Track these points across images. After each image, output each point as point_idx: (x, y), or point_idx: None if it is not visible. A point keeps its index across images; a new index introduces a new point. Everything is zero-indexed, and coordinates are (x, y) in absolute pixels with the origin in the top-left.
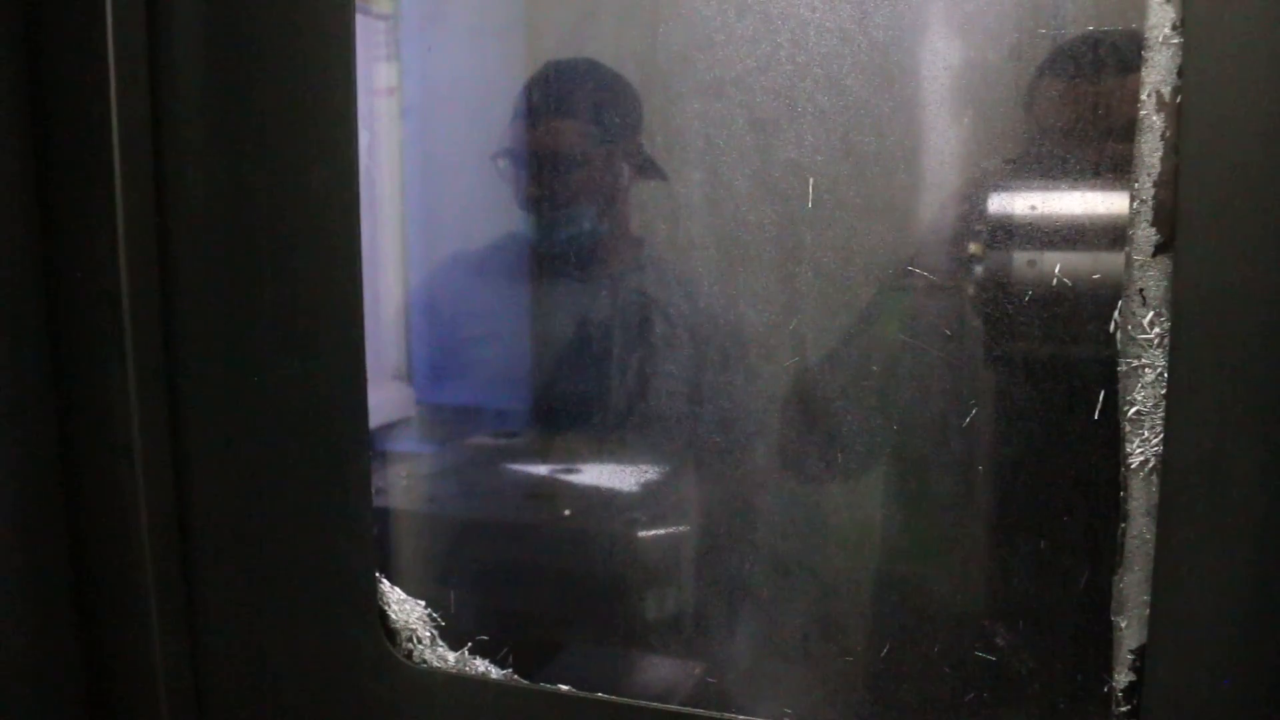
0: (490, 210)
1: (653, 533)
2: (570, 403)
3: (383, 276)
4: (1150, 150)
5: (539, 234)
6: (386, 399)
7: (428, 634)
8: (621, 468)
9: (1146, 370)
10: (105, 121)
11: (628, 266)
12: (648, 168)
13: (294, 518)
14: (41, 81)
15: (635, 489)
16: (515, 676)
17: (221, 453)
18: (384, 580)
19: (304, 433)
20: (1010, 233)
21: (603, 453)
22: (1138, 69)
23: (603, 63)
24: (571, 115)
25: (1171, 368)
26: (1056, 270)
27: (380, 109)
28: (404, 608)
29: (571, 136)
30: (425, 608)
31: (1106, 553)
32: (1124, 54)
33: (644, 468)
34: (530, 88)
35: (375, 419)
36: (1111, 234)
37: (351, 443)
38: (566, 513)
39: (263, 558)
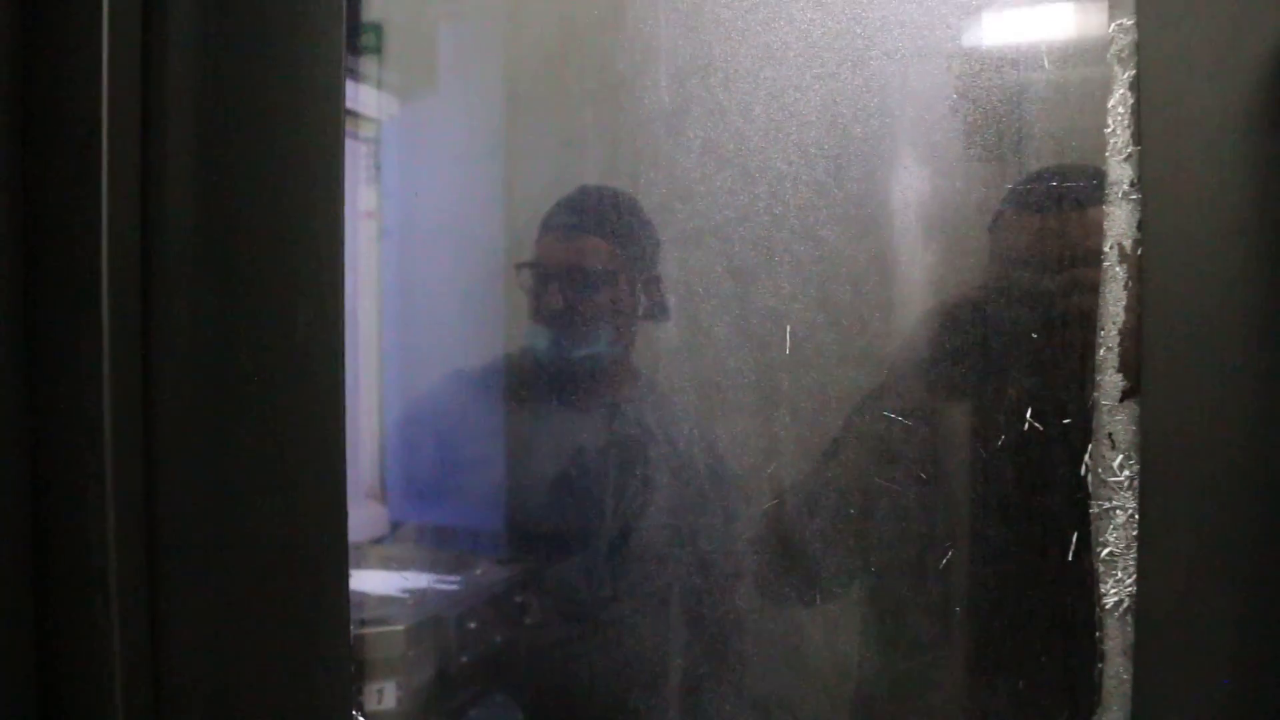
0: (472, 333)
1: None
2: (545, 529)
3: (360, 398)
4: (1114, 299)
5: (552, 349)
6: (360, 518)
7: None
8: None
9: (1118, 512)
10: (96, 253)
11: (624, 397)
12: (657, 305)
13: (273, 650)
14: (35, 222)
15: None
16: None
17: (197, 587)
18: (360, 717)
19: (283, 570)
20: (983, 378)
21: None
22: (1100, 221)
23: (629, 193)
24: (598, 236)
25: (1142, 510)
26: (1027, 415)
27: (360, 231)
28: None
29: (597, 257)
30: None
31: (1085, 693)
32: (1087, 207)
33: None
34: (561, 205)
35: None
36: (1080, 379)
37: (331, 577)
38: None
39: (240, 688)
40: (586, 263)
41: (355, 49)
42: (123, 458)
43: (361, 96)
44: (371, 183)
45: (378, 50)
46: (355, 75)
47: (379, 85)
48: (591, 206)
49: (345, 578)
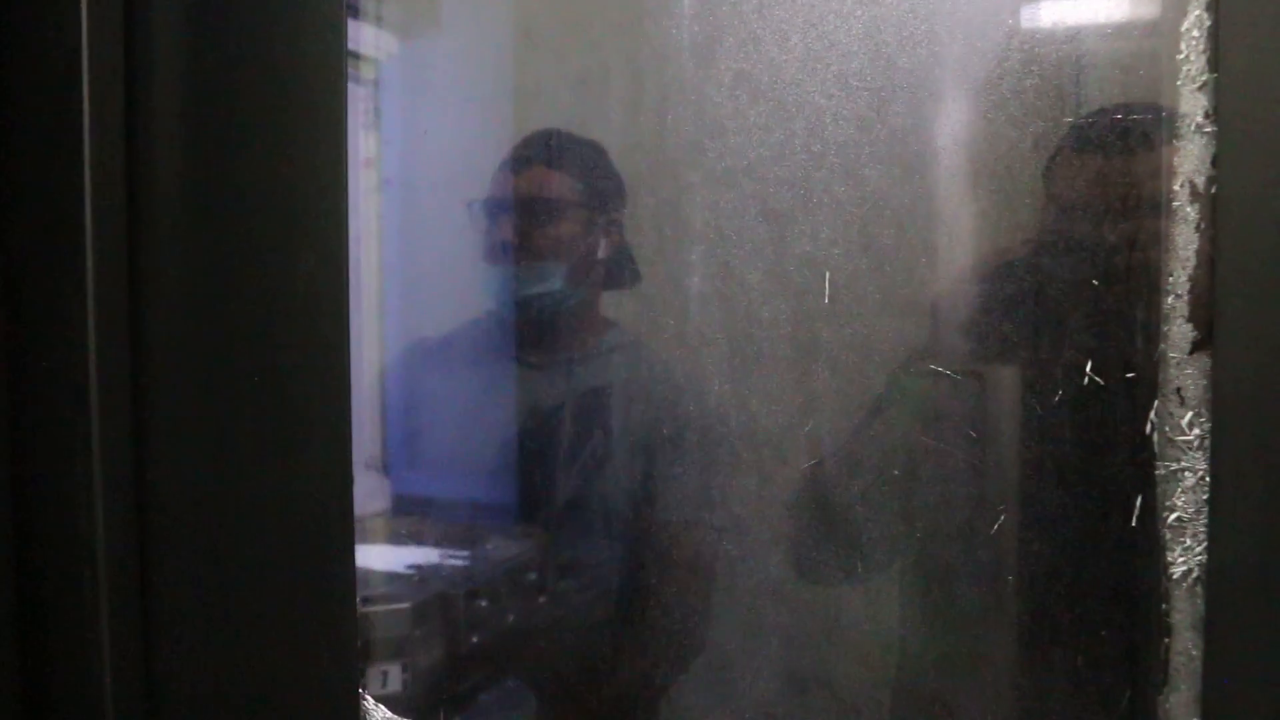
0: (471, 283)
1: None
2: (557, 497)
3: (362, 357)
4: (1185, 242)
5: (501, 289)
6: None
7: None
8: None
9: (1187, 474)
10: (79, 209)
11: (593, 349)
12: (623, 257)
13: (274, 630)
14: (13, 167)
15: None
16: None
17: (193, 562)
18: (368, 698)
19: (284, 542)
20: (1037, 328)
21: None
22: (1170, 158)
23: (582, 135)
24: (546, 173)
25: (1213, 471)
26: (1087, 368)
27: (360, 181)
28: None
29: (544, 192)
30: None
31: (1150, 670)
32: (1154, 143)
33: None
34: (512, 144)
35: None
36: (1145, 330)
37: (336, 549)
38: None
39: (239, 671)
40: (539, 193)
41: None
42: (110, 422)
43: (360, 35)
44: (371, 128)
45: None
46: (353, 11)
47: (378, 21)
48: (540, 145)
49: (351, 551)
